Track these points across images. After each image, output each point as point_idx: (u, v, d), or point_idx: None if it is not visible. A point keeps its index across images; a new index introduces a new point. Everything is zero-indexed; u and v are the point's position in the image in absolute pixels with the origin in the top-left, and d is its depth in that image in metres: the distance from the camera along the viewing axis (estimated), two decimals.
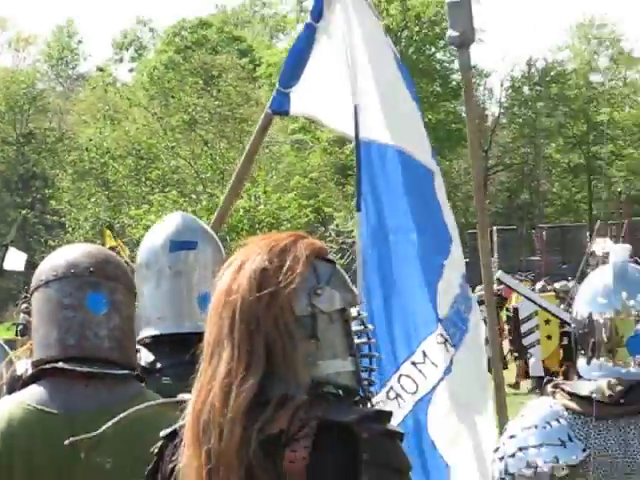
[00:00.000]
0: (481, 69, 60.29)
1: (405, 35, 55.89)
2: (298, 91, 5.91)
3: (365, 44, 5.64)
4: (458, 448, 5.27)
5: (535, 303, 13.32)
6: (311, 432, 2.93)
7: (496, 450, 4.02)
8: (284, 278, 3.00)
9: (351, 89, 5.44)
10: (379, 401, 5.14)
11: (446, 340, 5.37)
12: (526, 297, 13.44)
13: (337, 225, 38.92)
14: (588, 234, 39.13)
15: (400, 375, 5.29)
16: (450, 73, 58.97)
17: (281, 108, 6.05)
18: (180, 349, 4.43)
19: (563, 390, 4.00)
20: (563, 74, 61.47)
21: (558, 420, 3.93)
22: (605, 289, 4.06)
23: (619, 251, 4.17)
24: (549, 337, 14.88)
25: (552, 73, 61.34)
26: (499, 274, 10.60)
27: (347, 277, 3.20)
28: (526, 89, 61.96)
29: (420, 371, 5.31)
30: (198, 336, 3.67)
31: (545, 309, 13.80)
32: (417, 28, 56.19)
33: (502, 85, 61.60)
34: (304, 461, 2.92)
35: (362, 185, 5.37)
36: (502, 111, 61.56)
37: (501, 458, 3.95)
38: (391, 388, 5.24)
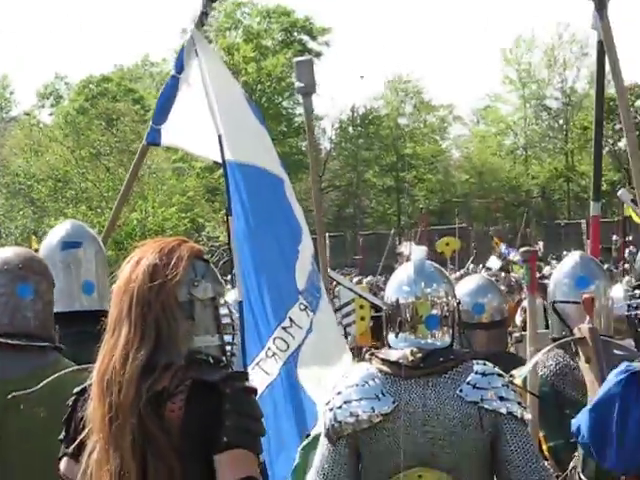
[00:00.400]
0: (317, 113, 60.57)
1: (259, 88, 56.03)
2: (167, 127, 5.95)
3: (219, 88, 5.67)
4: (321, 389, 5.34)
5: (354, 292, 13.69)
6: (186, 389, 3.01)
7: (327, 403, 4.01)
8: (170, 272, 3.10)
9: (213, 122, 5.45)
10: (260, 358, 5.28)
11: (306, 307, 5.46)
12: (348, 288, 13.80)
13: (208, 232, 39.10)
14: (397, 239, 39.41)
15: (274, 338, 5.36)
16: (293, 116, 59.14)
17: (154, 140, 6.09)
18: (70, 324, 4.59)
19: (377, 357, 4.02)
20: (378, 117, 61.96)
21: (374, 380, 3.95)
22: (408, 280, 4.09)
23: (418, 252, 4.23)
24: (362, 319, 15.06)
25: (370, 117, 61.83)
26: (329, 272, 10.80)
27: (217, 273, 3.30)
28: (350, 129, 62.34)
29: (289, 333, 5.39)
30: (84, 313, 3.81)
31: (361, 296, 14.12)
32: (268, 82, 56.34)
33: (332, 126, 61.93)
34: (180, 410, 3.00)
35: (231, 195, 5.39)
36: (332, 146, 61.83)
37: (331, 409, 3.95)
38: (269, 348, 5.31)
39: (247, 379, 3.19)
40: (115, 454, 2.97)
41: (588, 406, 3.64)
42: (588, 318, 4.43)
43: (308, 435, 4.84)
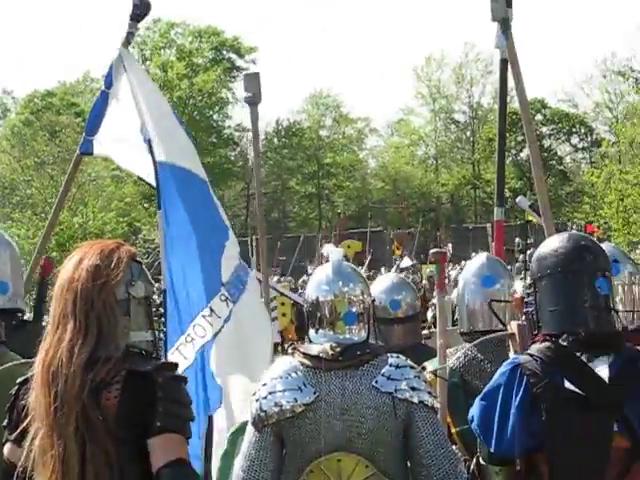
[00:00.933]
0: (244, 125, 60.44)
1: (191, 102, 55.86)
2: (98, 138, 5.95)
3: (148, 98, 5.69)
4: (232, 375, 5.38)
5: (276, 290, 13.79)
6: (121, 379, 3.06)
7: (254, 394, 4.00)
8: (112, 273, 3.15)
9: (142, 129, 5.47)
10: (180, 343, 5.32)
11: (227, 298, 5.49)
12: (271, 286, 13.92)
13: (144, 235, 39.02)
14: (318, 241, 39.40)
15: (195, 324, 5.38)
16: (222, 129, 58.97)
17: (87, 150, 6.10)
18: None
19: (299, 351, 4.03)
20: (301, 129, 62.00)
21: (296, 372, 3.96)
22: (327, 279, 4.11)
23: (336, 253, 4.22)
24: (284, 314, 15.21)
25: (293, 129, 61.86)
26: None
27: (149, 274, 3.36)
28: (275, 140, 62.30)
29: (208, 322, 5.43)
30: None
31: (282, 294, 14.21)
32: (200, 97, 56.13)
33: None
34: (116, 399, 3.04)
35: (160, 190, 5.38)
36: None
37: (257, 399, 3.96)
38: (188, 335, 5.34)
39: (177, 368, 3.24)
40: (59, 441, 2.99)
41: (479, 395, 3.69)
42: (520, 316, 4.45)
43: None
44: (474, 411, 3.68)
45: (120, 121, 5.82)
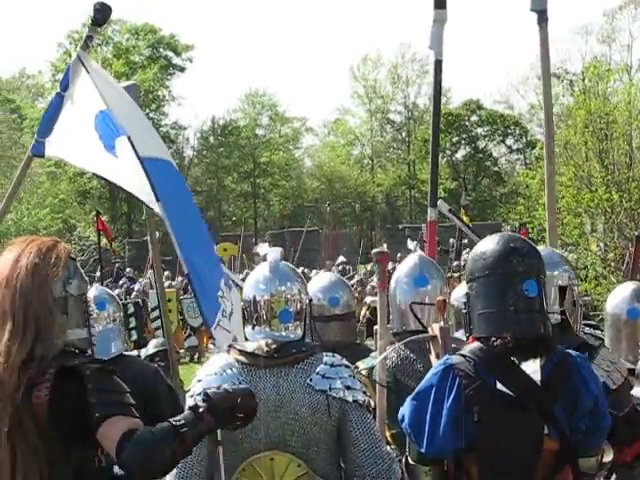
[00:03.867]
0: (181, 124, 60.11)
1: None
2: (51, 140, 5.92)
3: (115, 96, 5.71)
4: None
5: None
6: (50, 377, 3.01)
7: (188, 391, 4.02)
8: (51, 271, 3.12)
9: (119, 125, 5.48)
10: (219, 319, 5.20)
11: (226, 281, 5.56)
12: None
13: (79, 232, 38.69)
14: (254, 241, 39.31)
15: (223, 298, 5.38)
16: (159, 127, 58.57)
17: (39, 152, 6.05)
18: None
19: (235, 348, 4.06)
20: (237, 128, 61.69)
21: (231, 369, 3.98)
22: (264, 278, 4.13)
23: (273, 253, 4.24)
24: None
25: (229, 127, 61.55)
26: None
27: (83, 272, 3.33)
28: (212, 138, 61.98)
29: (224, 302, 5.42)
30: None
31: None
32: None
33: (195, 135, 61.49)
34: (46, 397, 3.00)
35: (154, 185, 5.37)
36: (194, 154, 61.39)
37: (191, 396, 3.96)
38: (223, 310, 5.34)
39: (102, 363, 3.20)
40: None
41: (411, 395, 3.70)
42: (441, 318, 4.47)
43: None
44: (405, 410, 3.68)
45: (75, 123, 5.81)
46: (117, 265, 31.35)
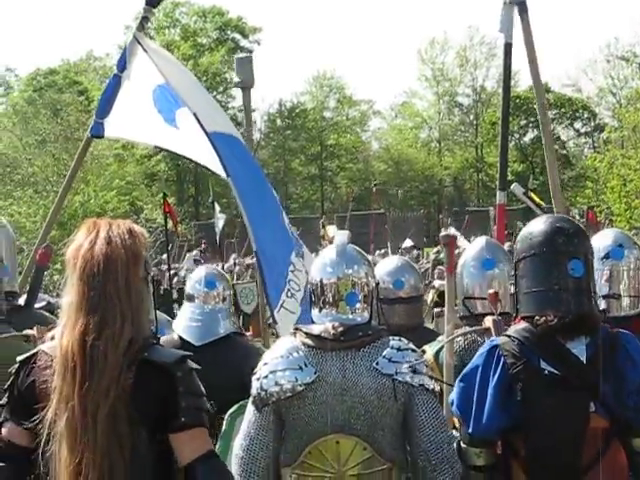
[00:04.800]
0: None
1: None
2: (109, 120, 5.94)
3: (177, 75, 5.72)
4: None
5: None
6: (135, 367, 2.98)
7: (254, 373, 4.00)
8: (140, 250, 3.10)
9: (185, 104, 5.49)
10: (283, 300, 5.42)
11: (298, 252, 5.65)
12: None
13: (146, 214, 39.04)
14: (321, 223, 39.35)
15: (289, 280, 5.52)
16: (226, 109, 58.82)
17: (98, 133, 6.10)
18: None
19: (301, 331, 4.03)
20: (304, 111, 61.83)
21: (297, 352, 3.95)
22: (331, 261, 4.10)
23: (341, 236, 4.21)
24: None
25: (297, 110, 61.68)
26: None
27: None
28: (278, 121, 62.15)
29: (296, 275, 5.55)
30: None
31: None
32: (204, 78, 56.02)
33: (262, 118, 61.66)
34: (130, 380, 2.96)
35: (224, 160, 5.38)
36: (262, 137, 61.59)
37: (257, 379, 3.96)
38: (288, 290, 5.40)
39: (190, 358, 3.16)
40: (91, 421, 2.92)
41: (459, 377, 3.71)
42: (494, 311, 4.45)
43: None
44: (454, 393, 3.72)
45: (133, 99, 5.82)
46: (185, 247, 31.65)
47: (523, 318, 3.69)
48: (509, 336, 3.64)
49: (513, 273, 3.83)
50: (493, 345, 3.65)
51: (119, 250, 3.02)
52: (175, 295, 13.33)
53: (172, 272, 16.14)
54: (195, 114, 5.43)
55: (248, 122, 6.74)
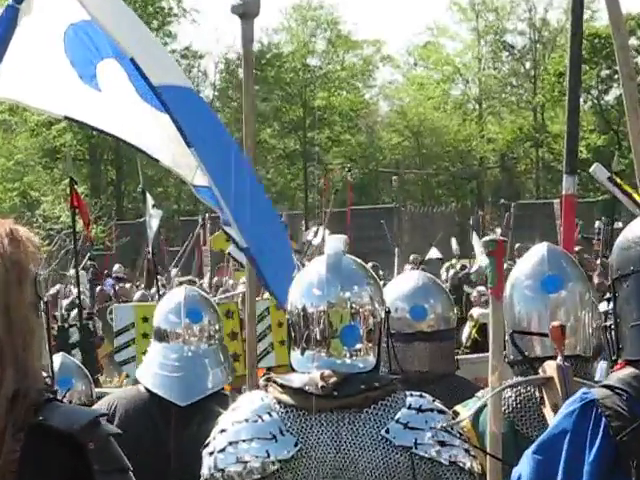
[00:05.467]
0: (195, 50, 60.38)
1: None
2: (1, 71, 5.90)
3: (105, 8, 5.70)
4: None
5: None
6: (21, 436, 2.95)
7: (206, 445, 4.02)
8: (25, 262, 3.07)
9: (119, 46, 5.48)
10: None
11: None
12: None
13: (44, 210, 38.75)
14: (304, 222, 39.41)
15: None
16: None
17: None
18: None
19: (275, 383, 4.03)
20: (279, 57, 61.88)
21: (270, 413, 3.96)
22: (319, 280, 4.11)
23: (333, 242, 4.23)
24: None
25: (268, 56, 61.64)
26: None
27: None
28: (241, 72, 62.10)
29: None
30: None
31: None
32: (131, 7, 56.31)
33: (217, 67, 61.73)
34: (15, 454, 2.93)
35: (180, 120, 5.42)
36: (216, 94, 61.61)
37: (211, 453, 3.97)
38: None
39: (104, 415, 3.16)
40: None
41: (531, 447, 3.68)
42: (559, 354, 4.45)
43: None
44: (523, 469, 3.68)
45: (34, 46, 5.81)
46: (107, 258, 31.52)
47: (629, 362, 3.68)
48: (611, 387, 3.58)
49: (611, 296, 3.79)
50: (588, 400, 3.62)
51: None
52: (75, 336, 13.25)
53: (73, 298, 15.85)
54: (133, 59, 5.42)
55: (248, 72, 6.62)
